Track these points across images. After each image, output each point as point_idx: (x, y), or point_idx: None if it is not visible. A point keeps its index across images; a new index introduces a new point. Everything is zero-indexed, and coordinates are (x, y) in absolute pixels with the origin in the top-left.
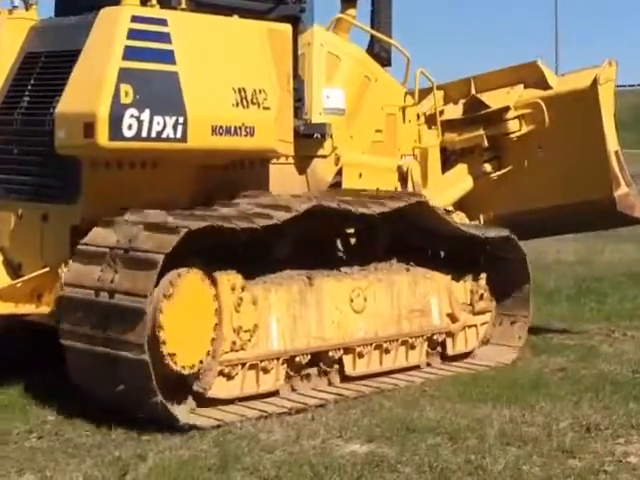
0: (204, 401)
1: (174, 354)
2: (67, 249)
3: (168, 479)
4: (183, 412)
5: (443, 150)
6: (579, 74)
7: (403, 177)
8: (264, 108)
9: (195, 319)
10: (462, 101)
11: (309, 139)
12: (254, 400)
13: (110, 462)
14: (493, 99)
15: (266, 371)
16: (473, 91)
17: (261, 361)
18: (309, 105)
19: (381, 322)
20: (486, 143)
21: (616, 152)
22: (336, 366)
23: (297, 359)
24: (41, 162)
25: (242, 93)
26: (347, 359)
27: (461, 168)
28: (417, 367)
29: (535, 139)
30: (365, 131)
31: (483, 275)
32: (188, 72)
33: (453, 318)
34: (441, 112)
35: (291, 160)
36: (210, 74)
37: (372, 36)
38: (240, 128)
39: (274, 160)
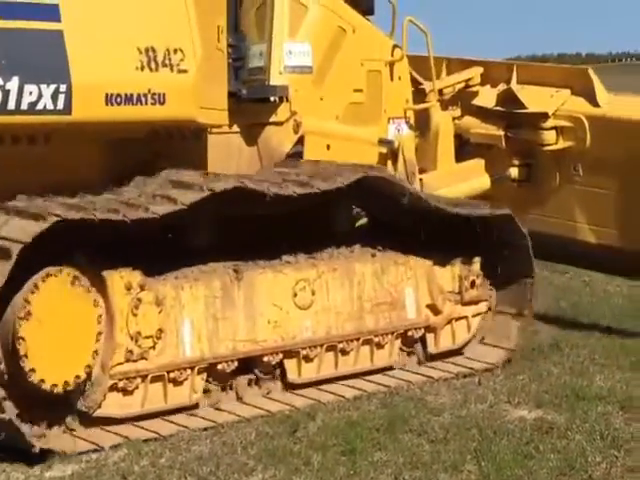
0: (94, 421)
1: (36, 370)
2: None
3: (337, 438)
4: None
5: (458, 137)
6: (635, 100)
7: (393, 153)
8: (179, 71)
9: (69, 328)
10: (500, 88)
11: (262, 104)
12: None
13: (281, 420)
14: (532, 99)
15: (177, 383)
16: (514, 80)
17: (169, 372)
18: (267, 64)
19: (335, 319)
20: (504, 144)
21: None
22: (277, 372)
23: (220, 367)
24: None
25: (150, 54)
26: (289, 364)
27: (479, 163)
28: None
29: (572, 158)
30: (340, 91)
31: (477, 259)
32: (76, 31)
33: (435, 310)
34: (475, 93)
35: (237, 129)
36: (108, 33)
37: None
38: (145, 95)
39: (215, 130)
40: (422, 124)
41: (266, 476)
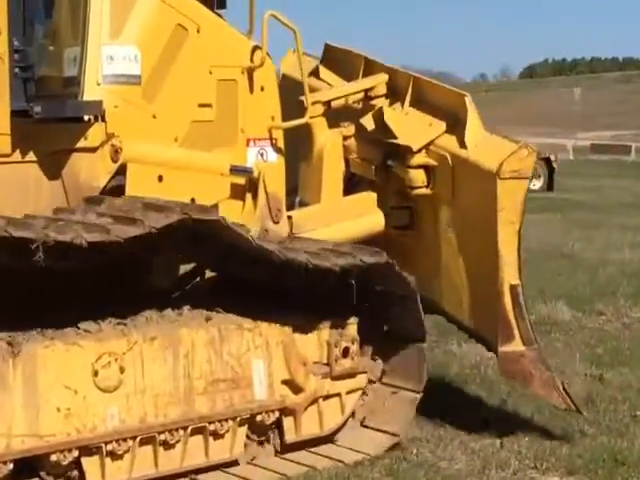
0: None
1: None
2: None
3: None
4: None
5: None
6: (503, 143)
7: (253, 184)
8: None
9: None
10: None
11: (68, 124)
12: None
13: None
14: (407, 126)
15: None
16: (408, 97)
17: None
18: (81, 72)
19: (153, 403)
20: (373, 176)
21: (513, 287)
22: (72, 474)
23: None
24: None
25: None
26: (89, 463)
27: (370, 197)
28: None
29: (445, 208)
30: (180, 107)
31: (352, 320)
32: None
33: (294, 387)
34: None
35: (33, 158)
36: None
37: None
38: None
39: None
40: (304, 145)
41: None
